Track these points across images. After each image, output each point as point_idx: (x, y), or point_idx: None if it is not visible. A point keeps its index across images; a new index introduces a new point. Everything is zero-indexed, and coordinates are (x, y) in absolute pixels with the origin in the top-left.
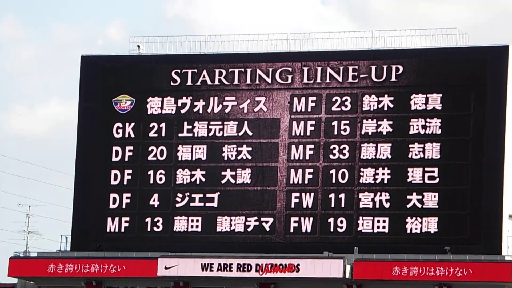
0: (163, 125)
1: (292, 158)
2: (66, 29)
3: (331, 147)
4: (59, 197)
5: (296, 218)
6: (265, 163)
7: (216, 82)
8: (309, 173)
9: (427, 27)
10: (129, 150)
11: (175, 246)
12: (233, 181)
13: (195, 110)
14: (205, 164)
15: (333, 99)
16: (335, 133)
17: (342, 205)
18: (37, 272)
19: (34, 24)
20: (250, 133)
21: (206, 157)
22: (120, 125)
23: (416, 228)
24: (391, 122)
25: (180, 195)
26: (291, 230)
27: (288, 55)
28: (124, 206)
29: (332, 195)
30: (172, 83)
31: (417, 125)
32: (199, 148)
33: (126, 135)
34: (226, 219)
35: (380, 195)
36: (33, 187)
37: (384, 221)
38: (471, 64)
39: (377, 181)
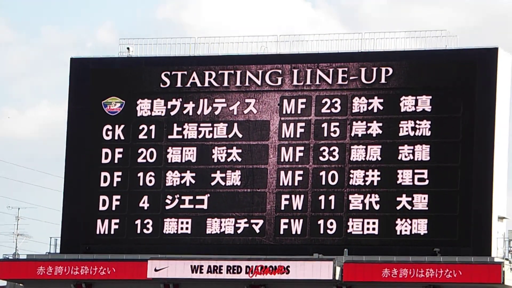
0: (152, 127)
1: (282, 160)
2: (56, 32)
3: (321, 149)
4: (49, 200)
5: (286, 220)
6: (255, 165)
7: (206, 84)
8: (299, 175)
9: (416, 30)
10: (119, 152)
11: (165, 248)
12: (223, 183)
13: (184, 112)
14: (195, 166)
15: (323, 101)
16: (325, 135)
17: (332, 207)
18: (27, 274)
19: (23, 26)
20: (240, 135)
21: (196, 159)
22: (110, 127)
23: (406, 230)
24: (380, 124)
25: (170, 197)
26: (281, 232)
27: (278, 57)
28: (113, 208)
29: (322, 197)
30: (161, 85)
31: (407, 127)
32: (189, 150)
33: (116, 137)
34: (216, 221)
35: (370, 197)
36: (22, 189)
37: (374, 223)
38: (461, 66)
39: (367, 183)
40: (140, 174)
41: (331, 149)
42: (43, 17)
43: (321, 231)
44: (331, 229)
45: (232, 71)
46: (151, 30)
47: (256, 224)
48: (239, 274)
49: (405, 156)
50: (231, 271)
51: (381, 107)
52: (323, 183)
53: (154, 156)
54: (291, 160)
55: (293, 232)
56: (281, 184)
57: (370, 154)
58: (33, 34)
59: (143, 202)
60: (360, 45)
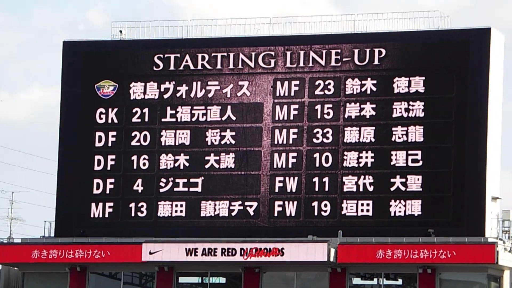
0: (146, 110)
1: (276, 142)
2: (47, 14)
3: (315, 131)
4: (43, 183)
5: (280, 202)
6: (249, 148)
7: (199, 67)
8: (293, 157)
9: (409, 10)
10: (112, 136)
11: (159, 231)
12: (216, 165)
13: (178, 95)
14: (188, 149)
15: (316, 83)
16: (319, 117)
17: (326, 189)
18: (21, 258)
19: (14, 9)
20: (234, 118)
21: (190, 142)
22: (103, 110)
23: (400, 211)
24: (374, 106)
25: (164, 180)
26: (275, 214)
27: (271, 39)
28: (107, 191)
29: (316, 179)
30: (154, 68)
31: (400, 108)
32: (183, 133)
33: (109, 121)
34: (210, 204)
35: (364, 178)
36: (16, 173)
37: (368, 205)
38: (454, 47)
39: (361, 165)
40: (134, 157)
41: (325, 131)
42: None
43: (315, 213)
44: (325, 211)
45: (225, 54)
46: (144, 12)
47: (250, 206)
48: (233, 256)
49: (399, 137)
50: (226, 253)
51: (374, 89)
52: (317, 165)
53: (147, 139)
54: (284, 142)
55: (287, 214)
56: (275, 166)
57: (363, 135)
58: (24, 16)
59: (137, 185)
60: (353, 27)
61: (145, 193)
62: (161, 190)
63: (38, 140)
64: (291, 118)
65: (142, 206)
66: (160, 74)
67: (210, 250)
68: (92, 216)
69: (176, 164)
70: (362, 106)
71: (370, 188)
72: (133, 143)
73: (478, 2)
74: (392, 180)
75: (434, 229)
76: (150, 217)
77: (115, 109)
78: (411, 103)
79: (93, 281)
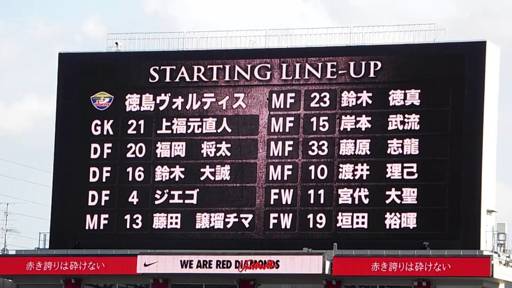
0: (141, 122)
1: (271, 154)
2: (43, 24)
3: (310, 143)
4: (38, 195)
5: (276, 215)
6: (244, 160)
7: (195, 79)
8: (288, 169)
9: (405, 23)
10: (108, 147)
11: (155, 243)
12: (212, 177)
13: (173, 107)
14: (184, 161)
15: (312, 95)
16: (314, 129)
17: (321, 201)
18: (16, 270)
19: (10, 18)
20: (229, 130)
21: (185, 154)
22: (99, 122)
23: (395, 224)
24: (369, 118)
25: (159, 192)
26: (271, 227)
27: (267, 52)
28: (103, 203)
29: (311, 191)
30: (150, 80)
31: (396, 121)
32: (178, 145)
33: (105, 132)
34: (205, 216)
35: (359, 191)
36: (11, 184)
37: (363, 217)
38: (449, 60)
39: (356, 177)
40: (129, 169)
41: (320, 143)
42: (30, 10)
43: (311, 225)
44: (320, 223)
45: (221, 66)
46: (140, 24)
47: (246, 218)
48: (228, 268)
49: (394, 150)
50: (221, 265)
51: (370, 101)
52: (312, 177)
53: (143, 151)
54: (280, 154)
55: (283, 227)
56: (270, 178)
57: (359, 148)
58: (21, 26)
59: (132, 197)
60: (349, 39)
61: (140, 205)
62: (156, 202)
63: (33, 152)
64: (287, 130)
65: (137, 218)
66: (155, 86)
67: (205, 262)
68: (87, 228)
69: (172, 176)
70: (358, 118)
71: (366, 201)
72: (129, 155)
73: (474, 15)
74: (387, 192)
75: (429, 242)
76: (145, 229)
77: (111, 121)
78: (406, 115)
79: None
